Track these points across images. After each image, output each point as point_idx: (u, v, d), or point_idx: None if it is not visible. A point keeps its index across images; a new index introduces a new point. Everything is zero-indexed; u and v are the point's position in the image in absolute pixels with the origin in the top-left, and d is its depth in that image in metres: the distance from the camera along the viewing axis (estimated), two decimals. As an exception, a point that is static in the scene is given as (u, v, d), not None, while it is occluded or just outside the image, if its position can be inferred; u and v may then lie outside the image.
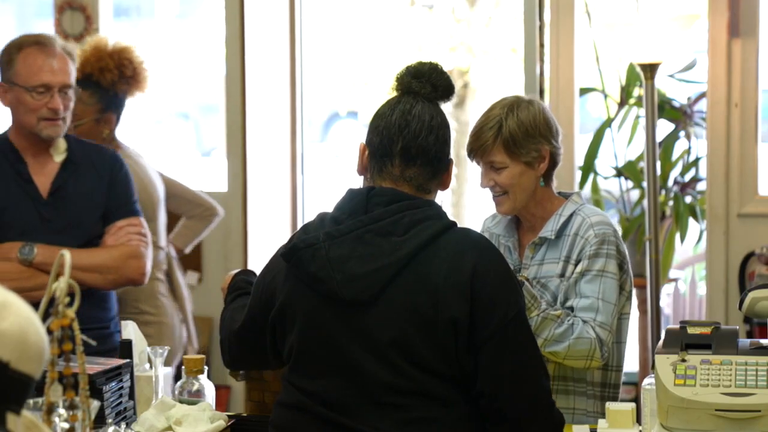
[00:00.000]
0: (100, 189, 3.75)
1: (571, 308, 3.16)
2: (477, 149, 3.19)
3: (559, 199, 3.28)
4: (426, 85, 2.64)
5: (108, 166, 3.79)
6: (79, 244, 3.68)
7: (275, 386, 2.94)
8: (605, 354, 3.13)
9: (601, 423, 2.86)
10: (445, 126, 2.64)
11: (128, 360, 3.10)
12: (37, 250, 3.64)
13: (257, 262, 5.57)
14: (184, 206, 4.81)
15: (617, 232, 3.23)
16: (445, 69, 2.70)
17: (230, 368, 2.94)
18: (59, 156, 3.76)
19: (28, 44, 3.70)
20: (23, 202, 3.70)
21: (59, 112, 3.66)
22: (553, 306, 3.16)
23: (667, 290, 6.03)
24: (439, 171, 2.63)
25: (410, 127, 2.60)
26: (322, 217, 2.62)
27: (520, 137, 3.16)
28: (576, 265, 3.18)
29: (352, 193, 2.61)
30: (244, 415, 3.12)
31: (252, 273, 3.04)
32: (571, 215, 3.23)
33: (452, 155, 2.69)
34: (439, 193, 2.69)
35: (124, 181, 3.81)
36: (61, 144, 3.77)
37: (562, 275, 3.19)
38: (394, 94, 2.66)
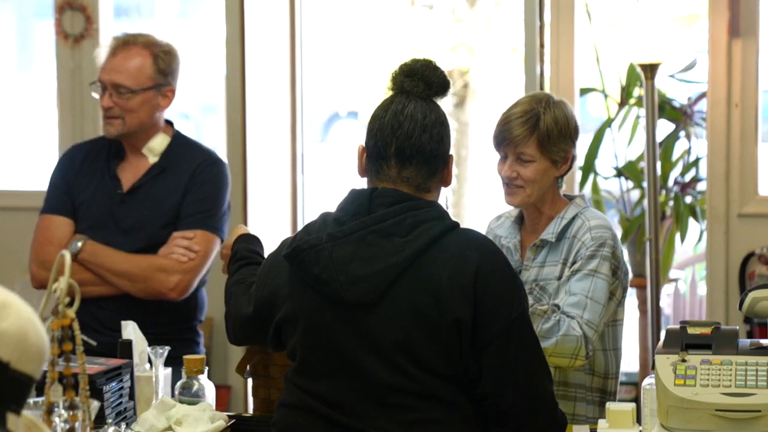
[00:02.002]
0: (175, 195, 3.71)
1: (558, 305, 3.15)
2: (509, 139, 3.18)
3: (563, 201, 3.28)
4: (419, 84, 2.61)
5: (190, 171, 3.72)
6: (140, 247, 3.67)
7: (281, 383, 2.93)
8: (590, 353, 3.11)
9: (602, 423, 2.85)
10: (439, 123, 2.61)
11: (128, 360, 3.10)
12: (83, 245, 3.65)
13: (257, 262, 5.55)
14: None
15: (617, 237, 3.22)
16: (445, 69, 2.68)
17: (233, 344, 2.94)
18: (154, 157, 3.75)
19: (110, 42, 3.77)
20: (101, 198, 3.73)
21: (109, 110, 3.69)
22: (540, 301, 3.16)
23: (667, 290, 6.02)
24: (437, 169, 2.62)
25: (403, 128, 2.58)
26: (324, 218, 2.61)
27: (555, 134, 3.17)
28: (571, 267, 3.17)
29: (354, 194, 2.61)
30: (245, 415, 3.12)
31: (255, 240, 3.01)
32: (572, 218, 3.23)
33: (452, 153, 2.67)
34: (442, 190, 2.68)
35: (201, 189, 3.72)
36: (158, 145, 3.76)
37: (559, 278, 3.19)
38: (390, 93, 2.65)
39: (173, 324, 3.69)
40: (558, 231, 3.22)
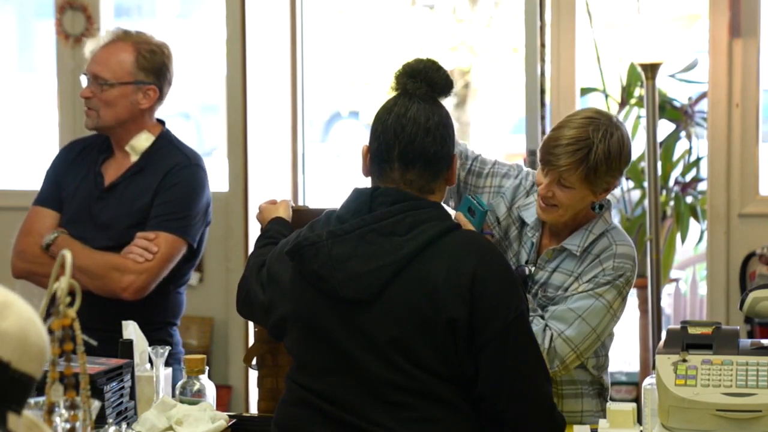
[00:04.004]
0: (146, 196, 3.68)
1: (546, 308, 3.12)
2: (554, 165, 3.03)
3: (590, 212, 3.18)
4: (422, 85, 2.60)
5: (163, 174, 3.69)
6: (110, 245, 3.65)
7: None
8: (555, 368, 3.05)
9: (602, 423, 2.86)
10: (443, 125, 2.60)
11: (129, 360, 3.10)
12: (53, 238, 3.66)
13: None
14: None
15: (636, 266, 3.14)
16: (446, 68, 2.68)
17: (239, 314, 2.93)
18: (135, 155, 3.75)
19: (105, 36, 3.79)
20: (83, 193, 3.73)
21: (87, 101, 3.70)
22: (544, 308, 3.12)
23: (668, 290, 6.02)
24: (441, 171, 2.61)
25: (405, 132, 2.57)
26: (328, 215, 2.62)
27: (603, 169, 3.02)
28: (582, 285, 3.12)
29: (357, 193, 2.61)
30: (245, 415, 3.12)
31: (287, 225, 3.01)
32: (599, 235, 3.14)
33: (456, 153, 2.66)
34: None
35: (171, 192, 3.68)
36: (141, 144, 3.74)
37: (565, 289, 3.13)
38: (393, 93, 2.65)
39: (143, 326, 3.59)
40: (584, 246, 3.13)
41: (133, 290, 3.61)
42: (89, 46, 3.79)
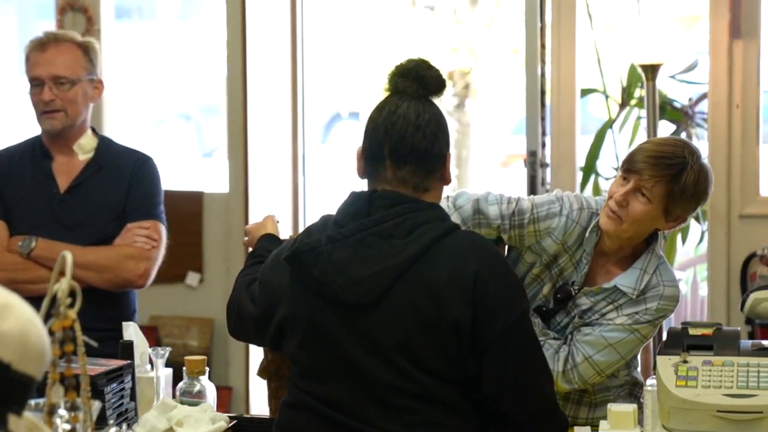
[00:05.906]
0: (118, 191, 3.76)
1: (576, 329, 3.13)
2: (645, 172, 3.01)
3: (642, 243, 3.16)
4: (412, 84, 2.59)
5: (130, 168, 3.80)
6: (89, 243, 3.69)
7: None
8: (575, 385, 3.08)
9: (603, 424, 2.85)
10: (434, 122, 2.58)
11: (129, 361, 3.10)
12: (35, 243, 3.68)
13: (258, 263, 5.54)
14: None
15: (677, 305, 3.13)
16: (447, 70, 2.68)
17: (231, 335, 2.93)
18: (84, 155, 3.81)
19: (34, 42, 3.83)
20: (39, 197, 3.76)
21: (51, 103, 3.74)
22: (579, 330, 3.11)
23: (668, 291, 6.01)
24: (434, 168, 2.59)
25: (396, 128, 2.56)
26: (325, 220, 2.61)
27: (688, 194, 3.02)
28: (620, 317, 3.11)
29: (354, 196, 2.60)
30: (246, 416, 3.12)
31: (276, 240, 3.00)
32: (651, 273, 3.12)
33: (452, 155, 2.66)
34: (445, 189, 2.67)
35: (144, 184, 3.79)
36: (88, 143, 3.82)
37: (603, 314, 3.13)
38: (386, 94, 2.65)
39: (118, 320, 3.60)
40: (641, 288, 3.10)
41: (147, 276, 3.74)
42: (28, 59, 3.83)
